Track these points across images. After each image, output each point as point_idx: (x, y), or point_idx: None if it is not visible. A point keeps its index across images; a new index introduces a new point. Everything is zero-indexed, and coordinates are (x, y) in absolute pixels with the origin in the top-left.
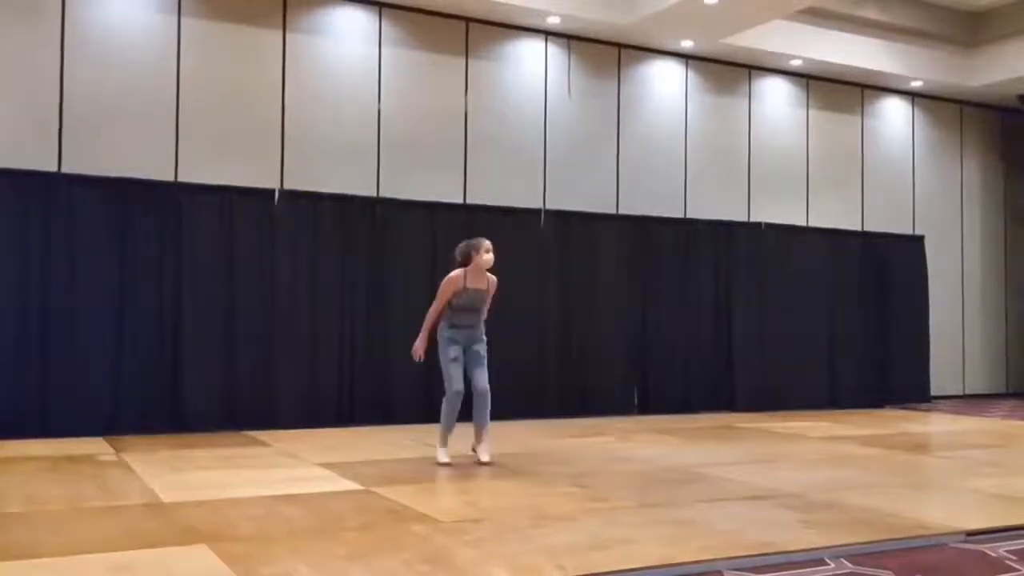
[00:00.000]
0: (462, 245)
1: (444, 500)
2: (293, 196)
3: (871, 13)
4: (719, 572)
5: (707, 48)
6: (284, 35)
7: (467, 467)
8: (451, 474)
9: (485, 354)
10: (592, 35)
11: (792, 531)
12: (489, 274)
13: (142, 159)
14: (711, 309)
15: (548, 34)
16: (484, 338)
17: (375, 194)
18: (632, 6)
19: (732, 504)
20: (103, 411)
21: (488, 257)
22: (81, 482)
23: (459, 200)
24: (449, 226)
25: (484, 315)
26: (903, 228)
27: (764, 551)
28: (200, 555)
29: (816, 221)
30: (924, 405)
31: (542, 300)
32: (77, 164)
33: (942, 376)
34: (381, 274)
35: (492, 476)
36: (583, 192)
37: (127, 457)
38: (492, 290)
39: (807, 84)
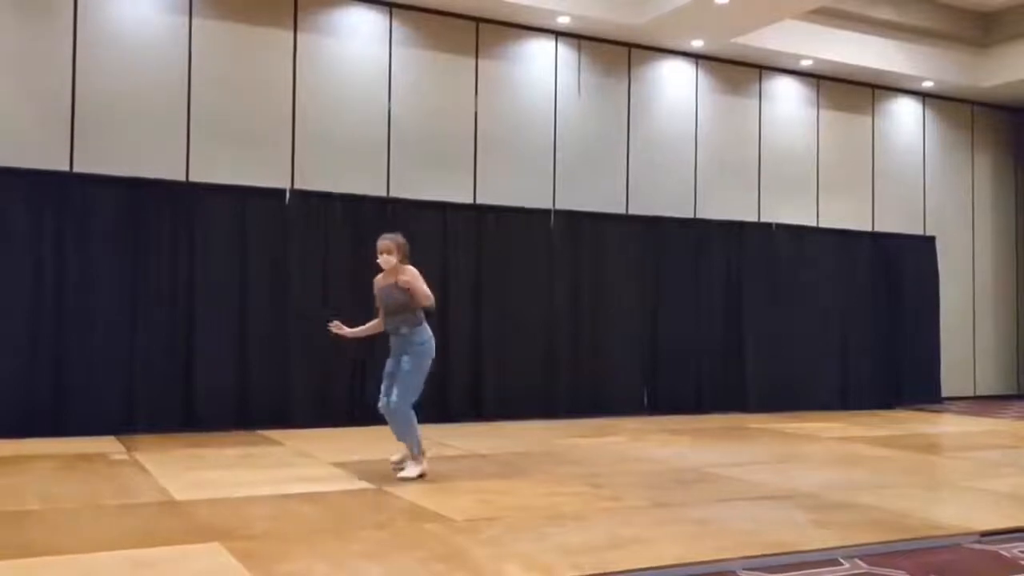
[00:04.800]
0: None
1: (458, 499)
2: (304, 196)
3: (882, 13)
4: (733, 572)
5: (718, 48)
6: (295, 35)
7: (477, 467)
8: (463, 474)
9: (409, 368)
10: (602, 35)
11: (806, 531)
12: (405, 267)
13: (154, 159)
14: (721, 310)
15: (558, 34)
16: (412, 347)
17: (386, 194)
18: (643, 6)
19: (746, 504)
20: (115, 410)
21: (380, 259)
22: (95, 481)
23: (469, 200)
24: (459, 226)
25: (404, 319)
26: (914, 229)
27: (778, 551)
28: (215, 553)
29: (827, 222)
30: (935, 406)
31: (552, 300)
32: (89, 163)
33: (953, 377)
34: None
35: (505, 475)
36: (593, 192)
37: (140, 456)
38: (405, 284)
39: (818, 84)
